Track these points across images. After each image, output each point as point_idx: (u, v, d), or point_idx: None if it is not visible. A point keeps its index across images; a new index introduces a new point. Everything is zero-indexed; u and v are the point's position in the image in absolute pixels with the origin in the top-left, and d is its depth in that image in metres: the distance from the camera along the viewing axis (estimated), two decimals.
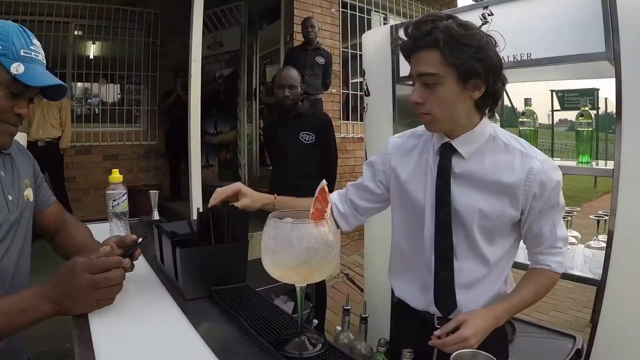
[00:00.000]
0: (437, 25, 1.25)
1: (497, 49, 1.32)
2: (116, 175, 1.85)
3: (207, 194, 6.58)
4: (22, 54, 1.22)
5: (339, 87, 6.52)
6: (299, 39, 5.59)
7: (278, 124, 3.68)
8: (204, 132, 7.10)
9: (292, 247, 0.91)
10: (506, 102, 4.19)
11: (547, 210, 1.37)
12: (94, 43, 7.42)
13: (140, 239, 1.35)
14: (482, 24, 2.24)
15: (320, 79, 5.37)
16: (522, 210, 1.37)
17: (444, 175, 1.40)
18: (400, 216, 1.58)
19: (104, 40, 7.37)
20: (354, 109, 7.01)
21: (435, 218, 1.42)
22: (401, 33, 1.39)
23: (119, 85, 7.60)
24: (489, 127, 1.40)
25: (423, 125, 1.44)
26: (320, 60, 5.30)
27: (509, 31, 2.14)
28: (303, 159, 3.48)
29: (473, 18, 2.25)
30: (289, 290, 3.00)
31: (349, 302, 1.75)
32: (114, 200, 1.82)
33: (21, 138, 4.25)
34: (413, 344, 1.27)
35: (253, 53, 6.93)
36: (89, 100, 7.56)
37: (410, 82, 1.40)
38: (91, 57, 7.39)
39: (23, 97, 1.27)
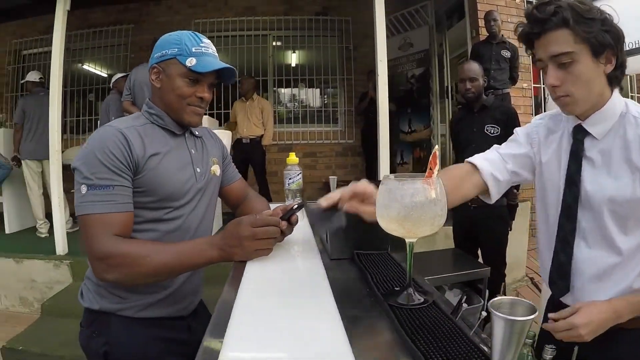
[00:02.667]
0: (560, 4, 1.24)
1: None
2: (293, 158, 2.06)
3: None
4: (193, 50, 1.52)
5: (530, 81, 6.17)
6: (485, 33, 5.42)
7: (464, 118, 3.71)
8: (399, 131, 7.26)
9: (397, 201, 0.98)
10: None
11: None
12: (294, 52, 8.09)
13: (295, 206, 1.53)
14: None
15: (507, 73, 5.14)
16: None
17: (575, 158, 1.37)
18: (539, 199, 1.55)
19: (300, 49, 8.03)
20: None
21: (562, 201, 1.39)
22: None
23: (317, 89, 8.15)
24: (620, 102, 1.33)
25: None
26: (506, 53, 5.08)
27: None
28: None
29: None
30: (462, 283, 3.01)
31: (503, 292, 1.74)
32: (290, 179, 2.03)
33: (226, 135, 4.82)
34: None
35: (443, 51, 6.90)
36: (291, 103, 8.28)
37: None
38: (293, 65, 8.07)
39: (201, 83, 1.55)
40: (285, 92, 8.26)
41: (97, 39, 7.73)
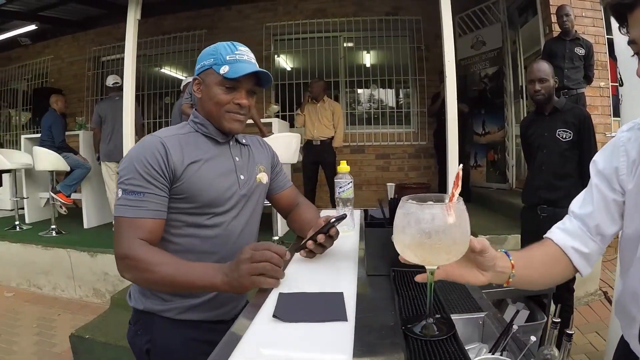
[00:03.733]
0: None
1: None
2: (344, 167, 2.03)
3: (476, 194, 6.50)
4: (227, 58, 1.54)
5: (608, 79, 5.69)
6: (558, 30, 5.08)
7: (534, 121, 3.53)
8: (472, 132, 7.07)
9: (411, 227, 0.91)
10: None
11: None
12: (368, 52, 8.05)
13: (334, 219, 1.51)
14: None
15: (581, 72, 4.84)
16: None
17: None
18: (629, 229, 1.16)
19: (372, 49, 7.99)
20: None
21: None
22: None
23: (389, 89, 8.09)
24: None
25: None
26: (580, 51, 4.77)
27: None
28: (560, 158, 3.27)
29: None
30: (526, 297, 2.87)
31: (557, 314, 1.59)
32: (340, 188, 1.99)
33: (295, 138, 4.83)
34: None
35: (516, 49, 6.63)
36: (366, 104, 8.24)
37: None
38: (368, 65, 8.02)
39: (239, 90, 1.58)
40: (356, 93, 8.22)
41: (171, 44, 8.09)
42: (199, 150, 1.58)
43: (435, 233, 0.90)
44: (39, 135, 6.50)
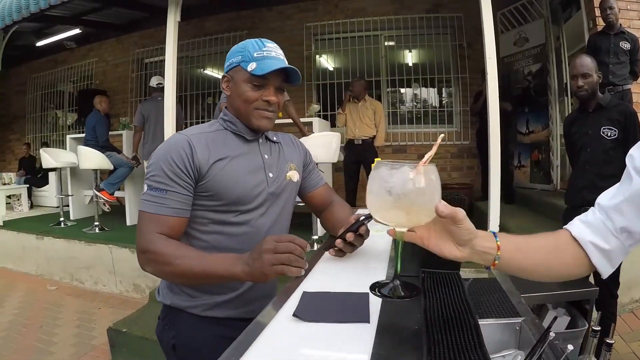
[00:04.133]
0: None
1: None
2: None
3: (519, 195, 6.35)
4: (255, 55, 1.53)
5: None
6: (602, 24, 4.85)
7: (577, 119, 3.41)
8: (516, 132, 6.91)
9: (376, 186, 0.92)
10: None
11: None
12: (410, 51, 7.97)
13: (363, 217, 1.49)
14: None
15: (627, 67, 4.60)
16: None
17: None
18: None
19: (412, 48, 7.90)
20: None
21: None
22: None
23: (431, 88, 7.98)
24: None
25: None
26: (625, 45, 4.54)
27: None
28: (604, 157, 3.15)
29: None
30: (567, 303, 2.77)
31: (597, 322, 1.51)
32: None
33: (336, 137, 4.79)
34: None
35: (560, 45, 6.40)
36: (409, 104, 8.18)
37: None
38: (410, 64, 7.94)
39: (267, 87, 1.56)
40: (398, 92, 8.15)
41: (212, 46, 8.24)
42: (227, 148, 1.57)
43: (394, 191, 0.90)
44: (83, 135, 6.70)
